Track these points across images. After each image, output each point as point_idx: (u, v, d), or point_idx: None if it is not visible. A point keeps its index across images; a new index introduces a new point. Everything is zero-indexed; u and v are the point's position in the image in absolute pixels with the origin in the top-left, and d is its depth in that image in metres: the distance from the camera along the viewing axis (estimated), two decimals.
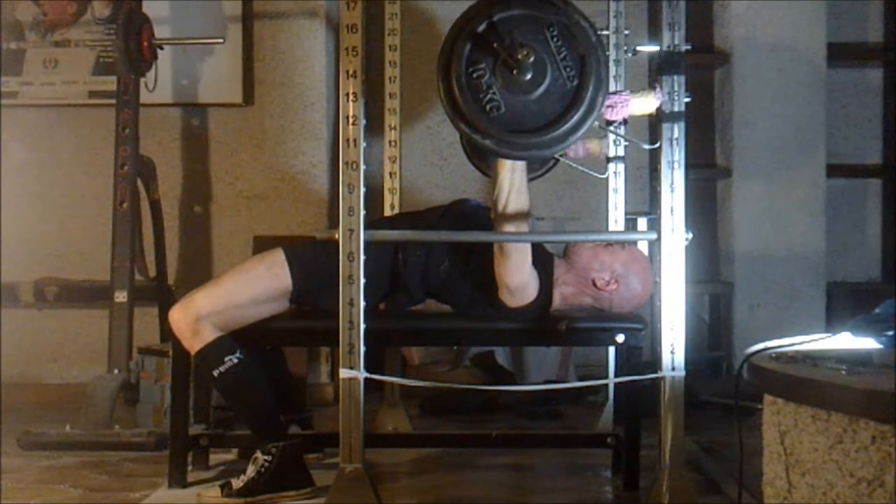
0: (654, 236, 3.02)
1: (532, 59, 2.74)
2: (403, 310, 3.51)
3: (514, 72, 2.75)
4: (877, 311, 2.59)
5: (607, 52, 4.07)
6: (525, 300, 3.30)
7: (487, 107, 2.77)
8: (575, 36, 2.79)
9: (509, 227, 3.17)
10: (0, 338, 5.00)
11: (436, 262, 3.41)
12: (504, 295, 3.29)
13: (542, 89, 2.78)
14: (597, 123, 3.01)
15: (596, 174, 3.96)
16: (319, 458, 3.63)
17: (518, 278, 3.26)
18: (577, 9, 2.83)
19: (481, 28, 2.77)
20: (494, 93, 2.77)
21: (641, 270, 3.45)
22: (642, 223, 4.06)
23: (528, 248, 3.23)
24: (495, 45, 2.76)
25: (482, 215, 3.43)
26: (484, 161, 3.94)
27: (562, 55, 2.79)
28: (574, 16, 2.80)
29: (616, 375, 3.87)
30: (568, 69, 2.79)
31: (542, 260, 3.41)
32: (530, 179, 3.24)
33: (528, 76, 2.76)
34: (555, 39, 2.79)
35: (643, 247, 3.66)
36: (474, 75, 2.77)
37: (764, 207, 5.19)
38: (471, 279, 3.39)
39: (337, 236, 2.99)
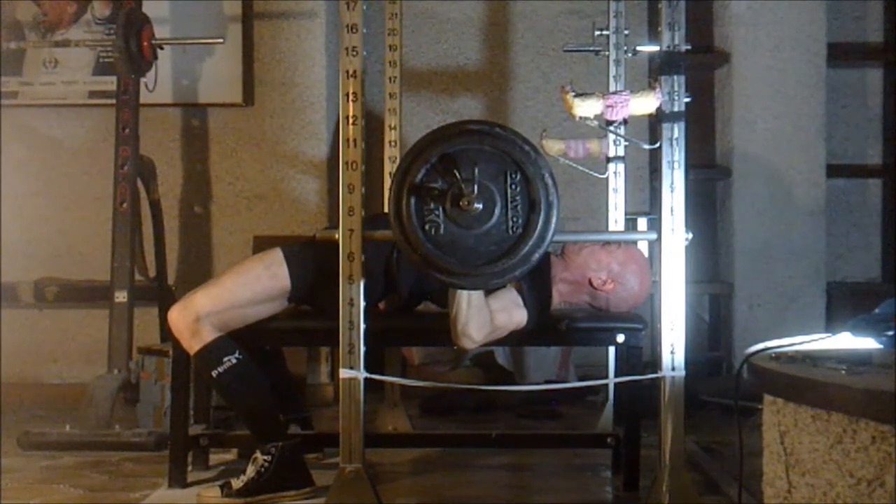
0: (654, 236, 3.01)
1: (482, 199, 2.77)
2: (400, 310, 3.50)
3: (462, 204, 2.77)
4: (877, 311, 2.59)
5: (607, 53, 4.10)
6: (519, 327, 3.29)
7: (427, 225, 2.80)
8: (534, 188, 2.80)
9: (470, 345, 3.17)
10: (0, 338, 5.00)
11: None
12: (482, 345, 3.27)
13: (484, 228, 2.81)
14: (597, 123, 3.02)
15: (596, 174, 3.97)
16: (319, 458, 3.63)
17: (501, 332, 3.25)
18: (547, 163, 2.84)
19: (448, 151, 2.79)
20: (438, 215, 2.80)
21: (638, 270, 3.45)
22: (642, 223, 4.06)
23: (483, 313, 3.16)
24: (455, 171, 2.78)
25: None
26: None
27: (514, 202, 2.81)
28: (542, 169, 2.81)
29: (616, 375, 3.87)
30: (515, 217, 2.81)
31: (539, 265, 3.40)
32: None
33: (476, 211, 2.78)
34: (513, 186, 2.81)
35: (643, 247, 3.66)
36: (424, 188, 2.79)
37: (764, 207, 5.19)
38: None
39: (337, 236, 2.99)
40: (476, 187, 2.77)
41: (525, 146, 2.82)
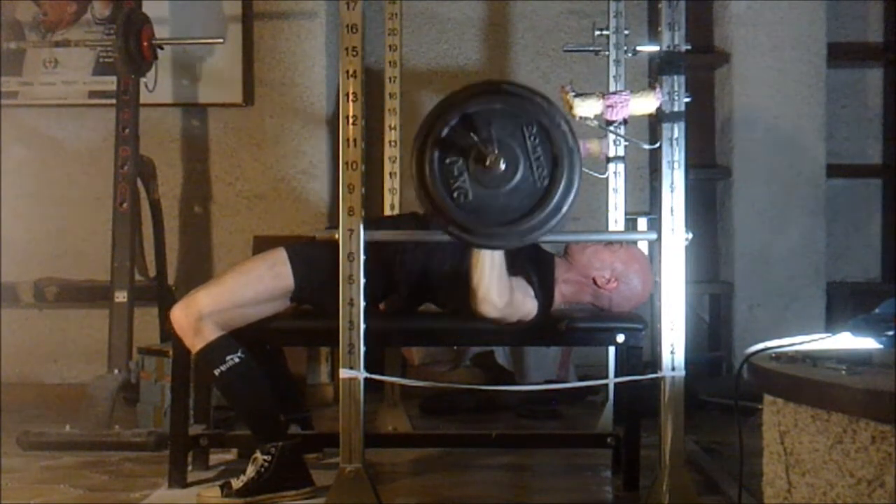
0: (654, 236, 3.01)
1: (503, 157, 2.78)
2: (401, 310, 3.50)
3: (486, 164, 2.78)
4: (877, 311, 2.60)
5: (606, 53, 4.10)
6: (525, 318, 3.30)
7: (455, 193, 2.80)
8: (553, 137, 2.81)
9: (490, 313, 3.19)
10: (0, 338, 5.01)
11: (434, 267, 3.40)
12: (498, 319, 3.29)
13: (511, 185, 2.82)
14: (597, 123, 3.02)
15: (596, 174, 3.96)
16: (319, 458, 3.63)
17: (513, 314, 3.26)
18: (560, 111, 2.85)
19: (461, 116, 2.81)
20: (464, 181, 2.81)
21: (642, 269, 3.45)
22: (642, 223, 4.06)
23: (515, 293, 3.21)
24: (472, 134, 2.79)
25: None
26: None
27: (536, 154, 2.82)
28: (556, 118, 2.82)
29: (616, 375, 3.87)
30: (540, 169, 2.81)
31: (542, 260, 3.41)
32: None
33: (500, 170, 2.79)
34: (532, 138, 2.82)
35: (643, 247, 3.66)
36: (447, 161, 2.81)
37: (764, 207, 5.19)
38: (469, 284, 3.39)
39: (337, 236, 2.99)
40: (496, 146, 2.78)
41: (536, 98, 2.83)
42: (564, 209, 2.84)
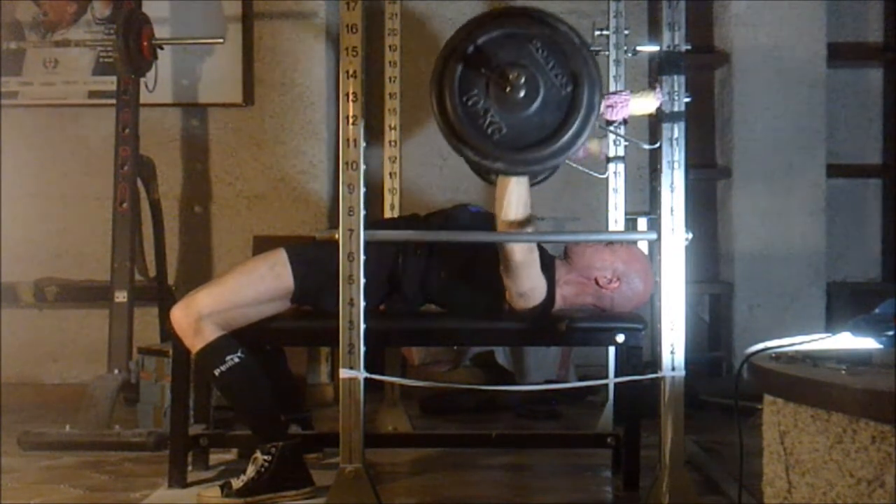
0: (654, 236, 3.02)
1: (521, 80, 2.78)
2: (402, 312, 3.51)
3: (507, 91, 2.78)
4: (877, 311, 2.59)
5: (607, 53, 4.09)
6: (535, 301, 3.30)
7: (489, 130, 2.81)
8: (559, 44, 2.81)
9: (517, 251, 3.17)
10: (0, 338, 5.00)
11: (435, 268, 3.41)
12: (514, 300, 3.29)
13: (538, 102, 2.83)
14: (597, 123, 3.02)
15: (596, 174, 3.96)
16: (319, 458, 3.63)
17: (528, 283, 3.26)
18: (556, 16, 2.86)
19: (466, 54, 2.82)
20: (493, 115, 2.81)
21: (643, 270, 3.45)
22: (642, 223, 4.06)
23: (535, 252, 3.23)
24: (483, 69, 2.78)
25: (485, 221, 3.44)
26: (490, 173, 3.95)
27: (550, 65, 2.83)
28: (555, 24, 2.82)
29: (616, 375, 3.87)
30: (559, 77, 2.82)
31: (544, 261, 3.41)
32: (533, 185, 3.25)
33: (522, 92, 2.80)
34: (540, 52, 2.82)
35: (643, 247, 3.66)
36: (469, 102, 2.81)
37: (764, 207, 5.19)
38: (471, 285, 3.39)
39: (337, 236, 2.99)
40: (515, 70, 2.78)
41: (535, 14, 2.85)
42: (597, 105, 2.85)
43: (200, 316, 3.30)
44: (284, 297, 3.38)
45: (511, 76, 2.77)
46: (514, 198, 3.10)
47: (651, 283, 3.42)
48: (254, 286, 3.35)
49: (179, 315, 3.34)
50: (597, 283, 3.43)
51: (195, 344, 3.31)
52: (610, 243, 3.50)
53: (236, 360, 3.30)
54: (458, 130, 2.82)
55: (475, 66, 2.81)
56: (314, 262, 3.35)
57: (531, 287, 3.27)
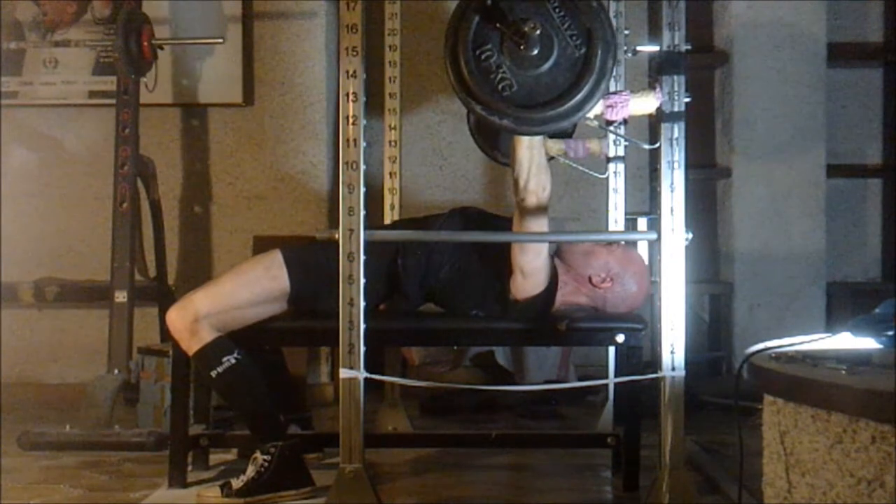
0: (654, 236, 3.02)
1: (537, 32, 2.77)
2: (402, 312, 3.51)
3: (521, 48, 2.77)
4: (877, 311, 2.59)
5: None
6: (536, 288, 3.30)
7: (500, 86, 2.80)
8: (577, 5, 2.80)
9: (532, 203, 3.18)
10: (0, 338, 5.00)
11: (435, 269, 3.41)
12: (517, 280, 3.28)
13: (551, 61, 2.82)
14: (597, 123, 3.02)
15: (596, 174, 3.96)
16: (319, 458, 3.62)
17: (535, 262, 3.27)
18: None
19: (482, 9, 2.80)
20: (505, 71, 2.80)
21: (638, 272, 3.45)
22: (642, 223, 4.06)
23: (546, 215, 3.23)
24: (498, 24, 2.77)
25: (485, 221, 3.44)
26: (496, 148, 3.94)
27: (566, 25, 2.82)
28: None
29: (616, 375, 3.87)
30: (574, 38, 2.81)
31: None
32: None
33: (536, 50, 2.79)
34: (557, 10, 2.81)
35: (643, 247, 3.66)
36: (482, 57, 2.80)
37: (764, 207, 5.19)
38: (471, 285, 3.39)
39: (337, 236, 2.99)
40: (527, 25, 2.77)
41: None
42: (609, 70, 2.84)
43: (197, 318, 3.29)
44: (281, 298, 3.38)
45: (526, 28, 2.76)
46: (527, 161, 3.11)
47: (646, 287, 3.41)
48: (249, 288, 3.35)
49: (176, 317, 3.34)
50: (590, 281, 3.43)
51: (192, 346, 3.31)
52: (608, 243, 3.50)
53: (233, 361, 3.29)
54: (468, 84, 2.80)
55: (491, 20, 2.79)
56: (310, 263, 3.35)
57: (538, 266, 3.27)
